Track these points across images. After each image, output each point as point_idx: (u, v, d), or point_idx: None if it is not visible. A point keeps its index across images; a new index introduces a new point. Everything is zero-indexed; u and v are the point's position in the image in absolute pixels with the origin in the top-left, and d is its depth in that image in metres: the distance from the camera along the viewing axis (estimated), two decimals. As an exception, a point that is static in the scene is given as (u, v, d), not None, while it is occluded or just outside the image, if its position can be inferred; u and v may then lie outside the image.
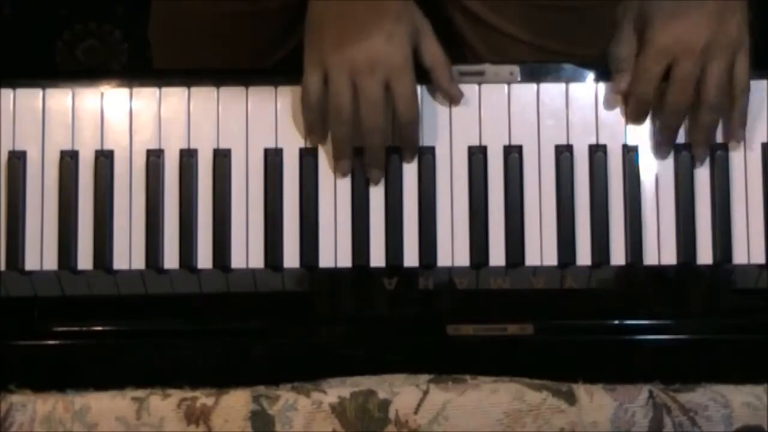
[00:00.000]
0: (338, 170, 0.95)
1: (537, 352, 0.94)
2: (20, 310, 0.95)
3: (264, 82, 0.96)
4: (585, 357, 0.94)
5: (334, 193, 0.95)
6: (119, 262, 0.95)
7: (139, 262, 0.95)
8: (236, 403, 0.87)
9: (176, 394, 0.88)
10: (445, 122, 0.96)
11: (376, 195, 0.95)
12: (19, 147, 0.96)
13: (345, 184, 0.95)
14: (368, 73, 0.92)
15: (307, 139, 0.96)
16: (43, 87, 0.96)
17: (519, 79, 0.96)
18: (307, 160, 0.95)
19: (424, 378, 0.89)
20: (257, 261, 0.95)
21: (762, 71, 0.97)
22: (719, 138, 0.96)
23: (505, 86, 0.96)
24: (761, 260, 0.95)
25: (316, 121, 0.94)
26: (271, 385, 0.88)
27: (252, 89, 0.96)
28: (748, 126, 0.96)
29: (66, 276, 0.95)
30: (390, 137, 0.95)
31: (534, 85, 0.96)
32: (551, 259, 0.95)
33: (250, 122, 0.96)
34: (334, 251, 0.94)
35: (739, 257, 0.95)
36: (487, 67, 0.97)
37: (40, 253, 0.95)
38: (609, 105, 0.96)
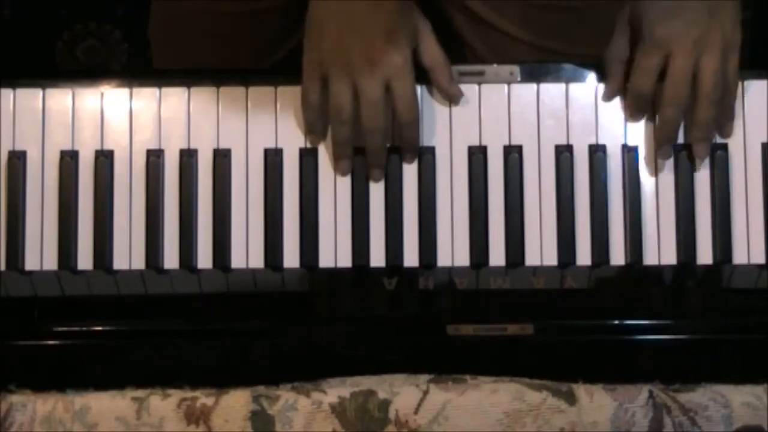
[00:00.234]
0: (338, 170, 0.95)
1: (537, 352, 0.94)
2: (20, 310, 0.95)
3: (264, 82, 0.96)
4: (585, 357, 0.95)
5: (334, 193, 0.95)
6: (119, 262, 0.95)
7: (139, 262, 0.95)
8: (236, 403, 0.87)
9: (176, 394, 0.88)
10: (445, 122, 0.96)
11: (376, 195, 0.95)
12: (19, 147, 0.96)
13: (345, 184, 0.95)
14: (368, 73, 0.92)
15: (307, 139, 0.96)
16: (43, 87, 0.96)
17: (519, 79, 0.96)
18: (307, 160, 0.95)
19: (424, 378, 0.89)
20: (257, 261, 0.95)
21: (762, 71, 0.97)
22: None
23: (505, 86, 0.96)
24: (761, 260, 0.95)
25: (316, 122, 0.94)
26: (271, 385, 0.88)
27: (252, 89, 0.96)
28: (749, 126, 0.96)
29: (66, 276, 0.95)
30: (390, 137, 0.95)
31: (534, 85, 0.96)
32: (551, 259, 0.95)
33: (250, 122, 0.96)
34: (334, 251, 0.94)
35: (739, 257, 0.95)
36: (487, 67, 0.97)
37: (40, 253, 0.95)
38: (605, 107, 0.96)
